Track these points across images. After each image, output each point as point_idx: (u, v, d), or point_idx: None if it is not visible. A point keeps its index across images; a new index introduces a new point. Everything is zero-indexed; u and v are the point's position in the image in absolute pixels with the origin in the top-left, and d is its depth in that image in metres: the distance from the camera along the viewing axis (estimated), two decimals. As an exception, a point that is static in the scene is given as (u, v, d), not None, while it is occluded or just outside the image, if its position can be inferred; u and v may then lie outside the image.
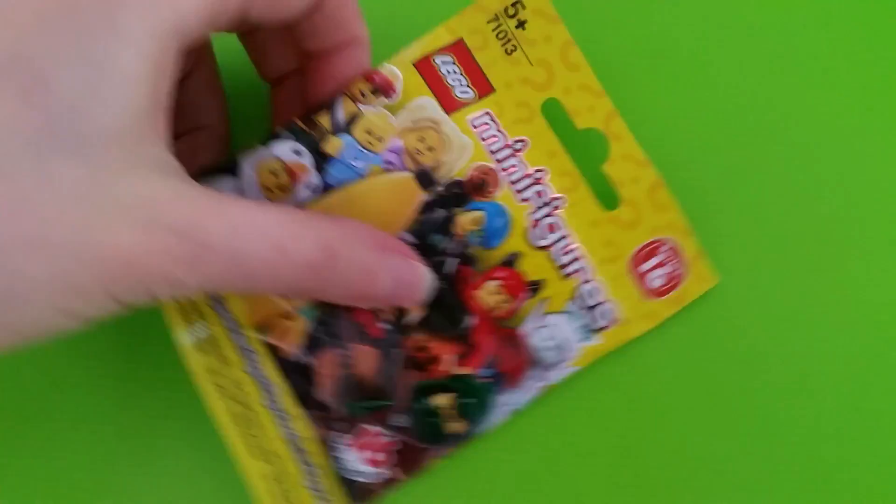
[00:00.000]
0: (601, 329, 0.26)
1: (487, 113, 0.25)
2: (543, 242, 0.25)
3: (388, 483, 0.25)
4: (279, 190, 0.24)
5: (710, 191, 0.29)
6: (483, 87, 0.25)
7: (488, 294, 0.25)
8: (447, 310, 0.25)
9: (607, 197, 0.26)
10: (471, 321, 0.25)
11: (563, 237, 0.26)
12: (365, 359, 0.24)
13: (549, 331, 0.25)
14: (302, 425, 0.24)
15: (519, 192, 0.25)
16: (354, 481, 0.24)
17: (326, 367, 0.24)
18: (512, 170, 0.25)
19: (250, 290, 0.22)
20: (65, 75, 0.18)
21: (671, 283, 0.26)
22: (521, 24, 0.25)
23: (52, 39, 0.18)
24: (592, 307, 0.26)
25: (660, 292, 0.26)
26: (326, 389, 0.24)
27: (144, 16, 0.19)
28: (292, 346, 0.24)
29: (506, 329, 0.25)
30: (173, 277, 0.19)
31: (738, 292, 0.29)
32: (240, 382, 0.24)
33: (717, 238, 0.28)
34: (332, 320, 0.24)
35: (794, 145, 0.29)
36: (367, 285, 0.22)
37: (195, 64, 0.25)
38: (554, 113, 0.26)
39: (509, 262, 0.25)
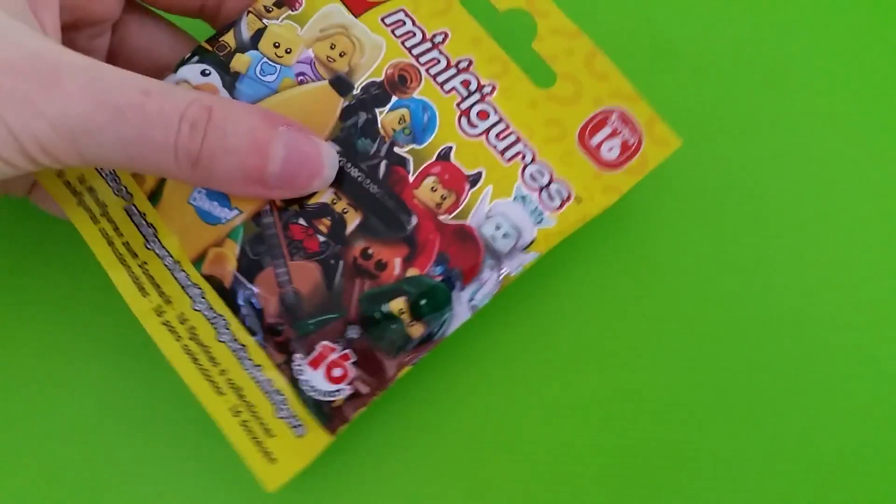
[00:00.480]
0: (556, 209, 0.24)
1: (402, 10, 0.25)
2: (476, 131, 0.24)
3: (356, 399, 0.23)
4: (193, 116, 0.24)
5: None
6: (394, -15, 0.25)
7: (427, 191, 0.24)
8: (388, 214, 0.23)
9: (542, 75, 0.24)
10: (414, 221, 0.23)
11: (498, 122, 0.24)
12: (306, 274, 0.23)
13: (499, 218, 0.23)
14: (258, 353, 0.23)
15: (443, 84, 0.24)
16: (321, 402, 0.23)
17: (267, 288, 0.23)
18: (433, 63, 0.24)
19: (121, 144, 0.20)
20: None
21: (627, 153, 0.24)
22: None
23: None
24: (542, 188, 0.24)
25: (616, 164, 0.24)
26: (271, 311, 0.23)
27: None
28: (230, 274, 0.23)
29: (453, 224, 0.24)
30: (23, 96, 0.18)
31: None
32: (190, 321, 0.23)
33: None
34: (263, 239, 0.23)
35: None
36: (256, 154, 0.20)
37: None
38: (473, 1, 0.25)
39: (443, 155, 0.24)
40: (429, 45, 0.24)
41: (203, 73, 0.24)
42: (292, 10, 0.24)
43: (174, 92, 0.20)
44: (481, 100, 0.24)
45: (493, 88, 0.24)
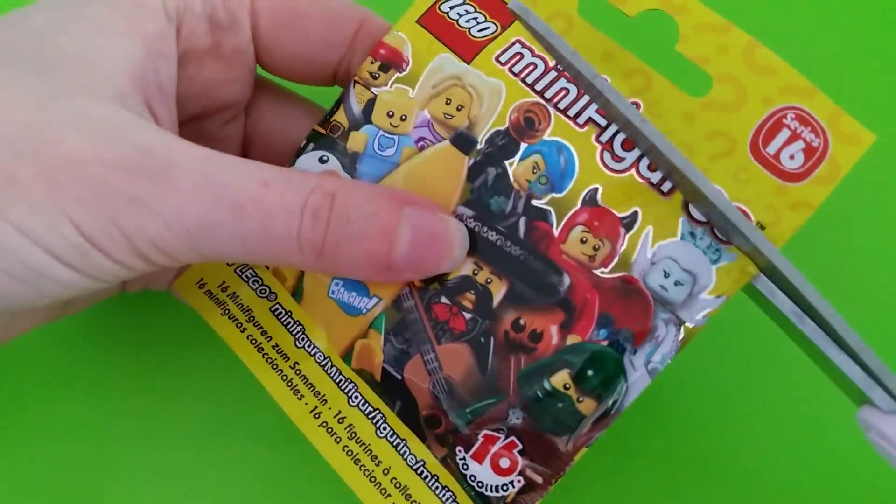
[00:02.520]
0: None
1: (518, 41, 0.22)
2: (623, 165, 0.21)
3: (531, 491, 0.20)
4: (318, 205, 0.22)
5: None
6: (504, 15, 0.22)
7: (577, 244, 0.21)
8: (536, 277, 0.21)
9: (694, 81, 0.21)
10: (567, 281, 0.21)
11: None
12: (456, 357, 0.21)
13: (666, 263, 0.20)
14: (420, 448, 0.21)
15: (575, 117, 0.21)
16: (491, 498, 0.21)
17: (417, 378, 0.21)
18: (561, 95, 0.21)
19: (241, 239, 0.18)
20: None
21: (813, 158, 0.20)
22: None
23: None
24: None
25: (802, 174, 0.20)
26: (425, 402, 0.21)
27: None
28: (378, 366, 0.22)
29: (612, 278, 0.20)
30: (134, 196, 0.17)
31: None
32: (348, 419, 0.22)
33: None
34: (407, 325, 0.21)
35: None
36: (382, 239, 0.19)
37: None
38: (597, 10, 0.21)
39: (589, 200, 0.21)
40: (553, 74, 0.21)
41: (321, 161, 0.22)
42: (399, 72, 0.22)
43: (295, 180, 0.19)
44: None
45: (637, 108, 0.21)
